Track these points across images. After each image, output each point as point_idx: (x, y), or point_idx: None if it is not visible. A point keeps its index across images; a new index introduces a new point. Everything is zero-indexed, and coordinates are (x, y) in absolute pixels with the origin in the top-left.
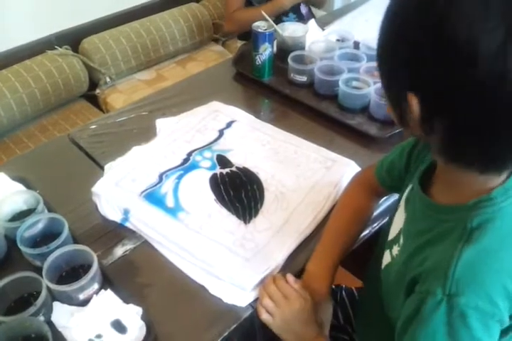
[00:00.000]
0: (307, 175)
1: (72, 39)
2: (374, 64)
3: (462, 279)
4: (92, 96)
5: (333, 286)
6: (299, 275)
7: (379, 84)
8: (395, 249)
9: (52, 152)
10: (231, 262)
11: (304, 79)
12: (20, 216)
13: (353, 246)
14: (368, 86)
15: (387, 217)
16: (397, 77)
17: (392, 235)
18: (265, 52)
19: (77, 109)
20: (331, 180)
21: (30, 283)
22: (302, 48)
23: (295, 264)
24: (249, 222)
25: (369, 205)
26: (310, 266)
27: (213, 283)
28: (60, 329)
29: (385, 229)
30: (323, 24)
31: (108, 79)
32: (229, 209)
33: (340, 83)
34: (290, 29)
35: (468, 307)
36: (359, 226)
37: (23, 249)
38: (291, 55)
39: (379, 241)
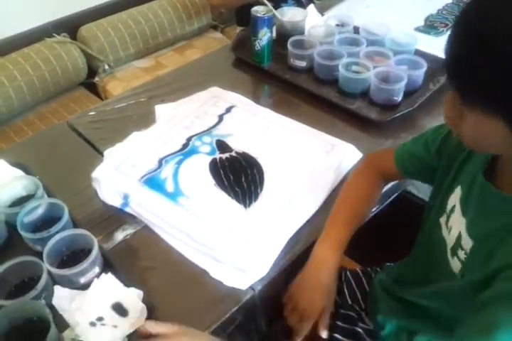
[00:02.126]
0: (307, 160)
1: (70, 26)
2: (374, 48)
3: None
4: (90, 84)
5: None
6: (300, 258)
7: (379, 68)
8: (461, 254)
9: (52, 139)
10: (231, 245)
11: (303, 64)
12: (20, 201)
13: (358, 227)
14: (367, 70)
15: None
16: None
17: (451, 241)
18: (264, 37)
19: (76, 96)
20: (331, 163)
21: (30, 267)
22: (301, 33)
23: (296, 247)
24: (249, 207)
25: (376, 190)
26: (317, 250)
27: (214, 266)
28: (61, 313)
29: (437, 235)
30: (322, 9)
31: (107, 67)
32: (229, 194)
33: (340, 67)
34: (289, 14)
35: None
36: (365, 210)
37: (24, 233)
38: (291, 39)
39: (434, 248)
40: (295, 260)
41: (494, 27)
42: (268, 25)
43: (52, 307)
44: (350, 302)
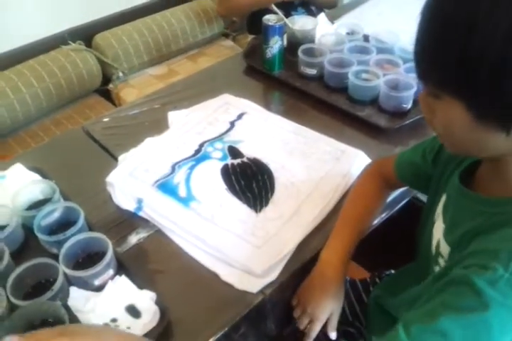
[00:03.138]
0: (317, 166)
1: (85, 34)
2: (383, 56)
3: None
4: (105, 91)
5: None
6: (309, 262)
7: (389, 76)
8: (441, 262)
9: (67, 144)
10: (242, 249)
11: (313, 71)
12: (36, 205)
13: (365, 234)
14: (377, 78)
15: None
16: None
17: (435, 250)
18: (275, 45)
19: (91, 103)
20: (341, 170)
21: (47, 269)
22: (312, 41)
23: (305, 252)
24: (260, 211)
25: (381, 196)
26: (324, 255)
27: (225, 270)
28: (76, 314)
29: (424, 244)
30: (332, 17)
31: (121, 74)
32: (240, 199)
33: (350, 75)
34: (300, 22)
35: None
36: (372, 215)
37: (40, 236)
38: (301, 47)
39: (421, 254)
40: (305, 264)
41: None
42: (279, 34)
43: (67, 309)
44: (350, 318)
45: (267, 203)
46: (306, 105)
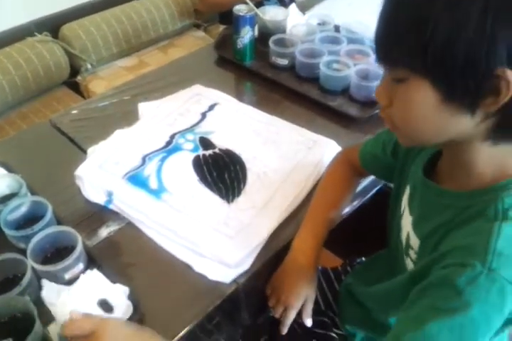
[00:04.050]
0: (289, 156)
1: (52, 25)
2: (354, 46)
3: (504, 254)
4: (73, 83)
5: None
6: (282, 251)
7: (360, 66)
8: (412, 254)
9: (34, 137)
10: (215, 240)
11: (285, 62)
12: (3, 200)
13: (337, 222)
14: (348, 68)
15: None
16: (488, 54)
17: (405, 242)
18: (246, 35)
19: (59, 96)
20: (313, 159)
21: (15, 264)
22: (283, 32)
23: (278, 241)
24: (232, 202)
25: (352, 183)
26: (296, 243)
27: (197, 260)
28: (48, 306)
29: (393, 235)
30: (304, 8)
31: (89, 66)
32: (212, 190)
33: (321, 65)
34: (271, 13)
35: (508, 282)
36: (342, 203)
37: (7, 231)
38: (272, 38)
39: (392, 245)
40: (278, 253)
41: None
42: (250, 24)
43: (38, 302)
44: (323, 307)
45: (239, 193)
46: (278, 95)
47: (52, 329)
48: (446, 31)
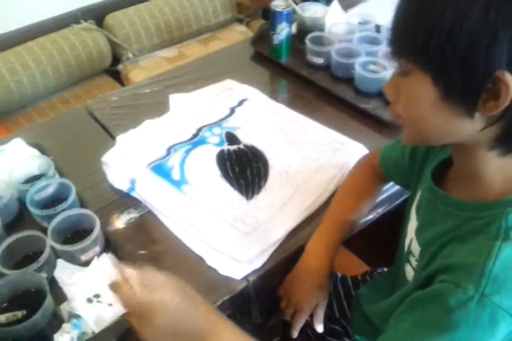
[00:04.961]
0: (314, 156)
1: (97, 14)
2: None
3: (499, 278)
4: (114, 72)
5: None
6: (297, 252)
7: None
8: (413, 261)
9: (69, 122)
10: (230, 235)
11: (321, 61)
12: (32, 180)
13: (356, 228)
14: (385, 70)
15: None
16: (488, 53)
17: (406, 248)
18: (283, 32)
19: (99, 83)
20: (338, 162)
21: (36, 242)
22: (321, 30)
23: (293, 242)
24: (251, 198)
25: (374, 188)
26: (310, 245)
27: (210, 254)
28: (61, 286)
29: (402, 242)
30: (347, 6)
31: (130, 55)
32: (232, 185)
33: (356, 66)
34: (310, 10)
35: (500, 308)
36: (363, 207)
37: (32, 210)
38: (309, 35)
39: (398, 251)
40: (293, 254)
41: None
42: (287, 20)
43: (53, 281)
44: (337, 316)
45: (259, 191)
46: (311, 94)
47: (64, 308)
48: (449, 23)
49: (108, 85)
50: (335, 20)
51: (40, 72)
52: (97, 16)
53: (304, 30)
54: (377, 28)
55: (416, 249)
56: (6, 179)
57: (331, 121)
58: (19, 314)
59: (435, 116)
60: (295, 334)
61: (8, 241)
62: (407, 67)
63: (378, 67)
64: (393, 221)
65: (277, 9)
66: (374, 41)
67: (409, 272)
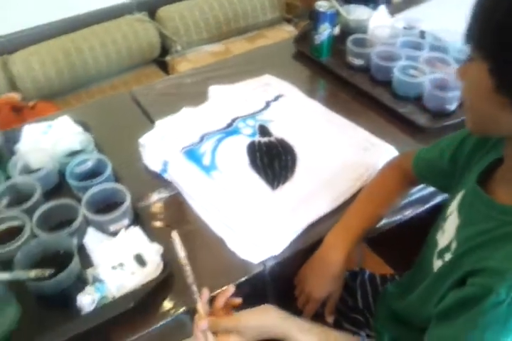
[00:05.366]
0: (343, 154)
1: (151, 6)
2: (437, 54)
3: None
4: (162, 62)
5: (357, 269)
6: (315, 245)
7: (436, 75)
8: (447, 255)
9: (114, 105)
10: (251, 221)
11: (361, 62)
12: (74, 154)
13: (374, 226)
14: (424, 75)
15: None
16: None
17: (442, 244)
18: (325, 32)
19: (147, 72)
20: (366, 161)
21: (71, 210)
22: (364, 32)
23: (313, 234)
24: (276, 188)
25: (400, 189)
26: (329, 237)
27: (231, 237)
28: (88, 252)
29: (432, 239)
30: (394, 11)
31: (179, 48)
32: (260, 174)
33: (395, 69)
34: (355, 12)
35: None
36: (385, 207)
37: (71, 181)
38: (351, 37)
39: (424, 249)
40: (312, 245)
41: None
42: (330, 21)
43: (82, 248)
44: (361, 306)
45: (284, 182)
46: (348, 95)
47: (90, 272)
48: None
49: (155, 75)
50: (379, 24)
51: (93, 58)
52: (150, 8)
53: (346, 31)
54: (422, 34)
55: (454, 245)
56: (50, 151)
57: (364, 122)
58: (47, 272)
59: (488, 104)
60: None
61: (45, 207)
62: (473, 53)
63: (418, 72)
64: (421, 225)
65: (321, 9)
66: (417, 46)
67: (438, 265)
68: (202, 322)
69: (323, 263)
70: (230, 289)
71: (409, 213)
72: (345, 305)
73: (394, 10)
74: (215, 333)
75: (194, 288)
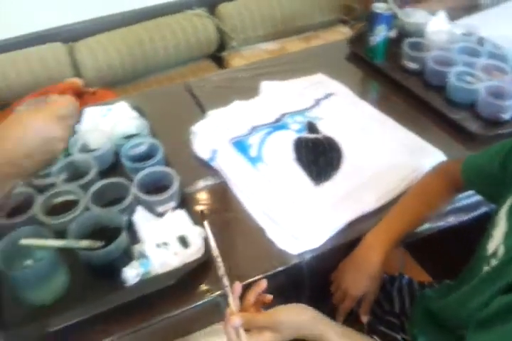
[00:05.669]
0: (389, 155)
1: (211, 2)
2: (494, 62)
3: None
4: (217, 57)
5: (396, 274)
6: (353, 243)
7: (492, 82)
8: (493, 262)
9: (169, 94)
10: (292, 214)
11: (416, 66)
12: (129, 137)
13: (416, 229)
14: (480, 82)
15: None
16: None
17: (490, 250)
18: (380, 33)
19: (203, 66)
20: (413, 164)
21: (123, 189)
22: (421, 36)
23: (352, 232)
24: (319, 184)
25: (445, 195)
26: (369, 236)
27: (272, 228)
28: (136, 229)
29: (481, 246)
30: (453, 17)
31: (235, 44)
32: (304, 170)
33: (450, 75)
34: (413, 15)
35: None
36: (428, 211)
37: (125, 162)
38: (408, 40)
39: (474, 256)
40: (349, 243)
41: None
42: (386, 23)
43: (130, 225)
44: (397, 311)
45: (328, 178)
46: (399, 99)
47: (136, 248)
48: None
49: (210, 69)
50: (437, 28)
51: (153, 50)
52: (209, 4)
53: (404, 34)
54: (480, 41)
55: (501, 251)
56: (108, 133)
57: (414, 126)
58: (97, 243)
59: None
60: (340, 319)
61: (99, 184)
62: None
63: (474, 79)
64: (465, 234)
65: (378, 11)
66: (474, 53)
67: (485, 270)
68: (235, 319)
69: (362, 262)
70: (262, 284)
71: (452, 220)
72: (380, 308)
73: (453, 16)
74: (246, 330)
75: (225, 280)
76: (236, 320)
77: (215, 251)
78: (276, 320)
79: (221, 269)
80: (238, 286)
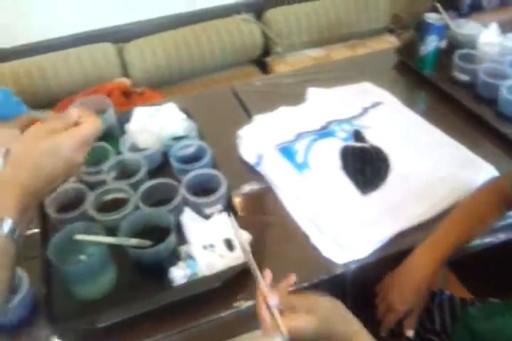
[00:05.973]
0: (439, 167)
1: (258, 8)
2: None
3: None
4: (262, 62)
5: (437, 289)
6: (400, 254)
7: None
8: None
9: (216, 97)
10: (338, 222)
11: (466, 78)
12: (177, 139)
13: (465, 244)
14: None
15: None
16: None
17: None
18: (431, 43)
19: (247, 71)
20: (463, 177)
21: (171, 189)
22: (472, 48)
23: (400, 244)
24: (365, 194)
25: (496, 211)
26: (418, 251)
27: (317, 235)
28: (184, 229)
29: None
30: (506, 30)
31: (279, 50)
32: (351, 179)
33: (503, 88)
34: (465, 26)
35: None
36: (478, 227)
37: (173, 163)
38: (460, 52)
39: None
40: (396, 254)
41: None
42: (437, 33)
43: (178, 225)
44: (438, 328)
45: (375, 188)
46: (448, 110)
47: (183, 249)
48: None
49: (254, 74)
50: (488, 40)
51: (200, 53)
52: (257, 10)
53: (454, 45)
54: None
55: None
56: (157, 134)
57: (464, 139)
58: (147, 242)
59: None
60: (383, 333)
61: (149, 184)
62: None
63: None
64: (509, 252)
65: (429, 21)
66: None
67: None
68: (272, 298)
69: (410, 276)
70: (292, 278)
71: (502, 237)
72: (421, 325)
73: (504, 29)
74: (280, 313)
75: (257, 272)
76: (273, 299)
77: (246, 245)
78: (313, 301)
79: (253, 264)
80: (269, 273)
